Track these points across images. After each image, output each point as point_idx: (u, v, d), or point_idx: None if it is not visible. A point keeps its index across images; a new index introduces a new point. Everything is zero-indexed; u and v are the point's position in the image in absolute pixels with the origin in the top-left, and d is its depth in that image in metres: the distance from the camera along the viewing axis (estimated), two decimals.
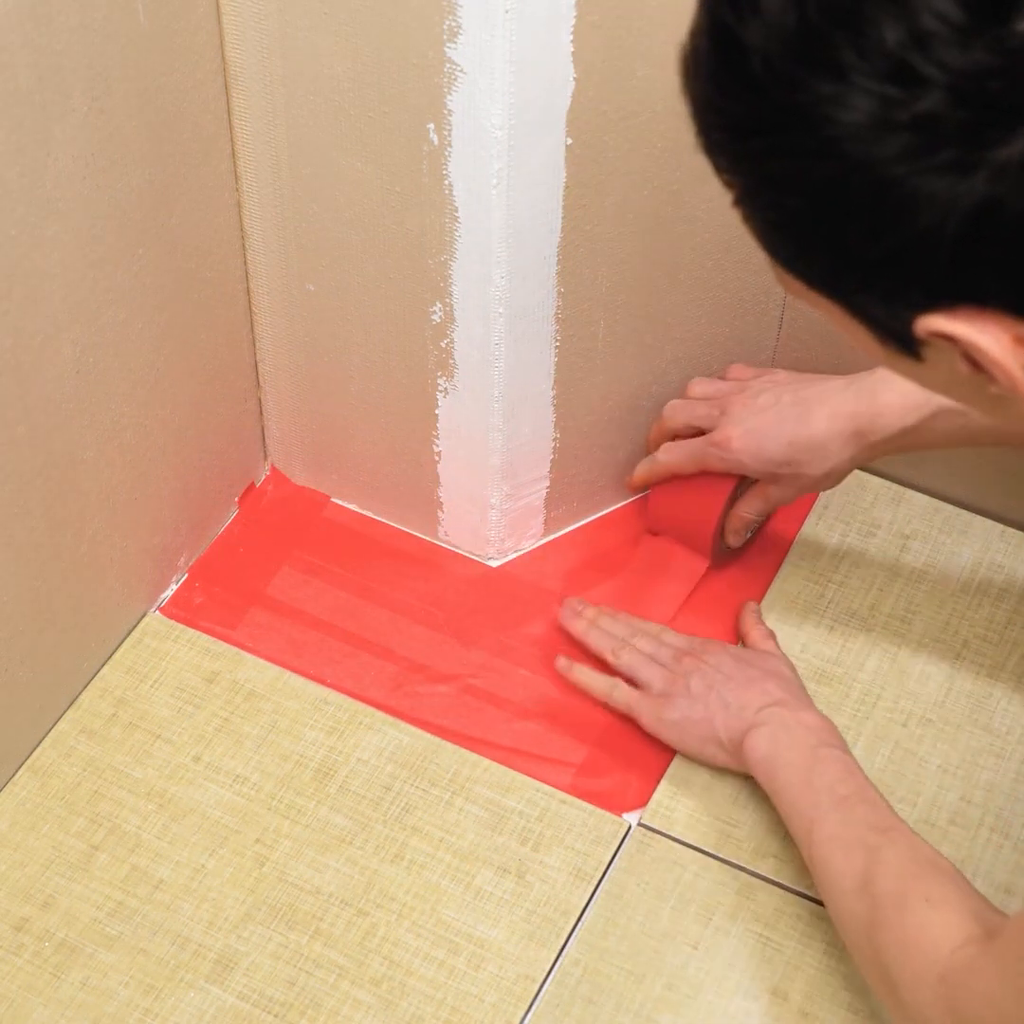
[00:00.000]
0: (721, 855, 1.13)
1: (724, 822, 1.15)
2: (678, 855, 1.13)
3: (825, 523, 1.32)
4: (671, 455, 1.23)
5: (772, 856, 1.13)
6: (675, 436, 1.25)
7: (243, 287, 1.22)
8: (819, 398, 1.16)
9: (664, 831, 1.14)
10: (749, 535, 1.28)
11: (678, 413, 1.24)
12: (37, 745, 1.18)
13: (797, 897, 1.11)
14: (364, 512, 1.33)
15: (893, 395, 1.12)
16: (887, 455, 1.17)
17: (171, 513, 1.24)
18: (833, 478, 1.18)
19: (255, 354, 1.27)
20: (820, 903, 1.10)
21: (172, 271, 1.13)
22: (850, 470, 1.18)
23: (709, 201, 1.16)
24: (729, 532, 1.25)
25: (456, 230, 1.09)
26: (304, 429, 1.31)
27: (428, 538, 1.32)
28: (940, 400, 1.08)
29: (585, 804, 1.16)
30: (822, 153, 0.67)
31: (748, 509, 1.23)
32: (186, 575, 1.28)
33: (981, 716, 1.21)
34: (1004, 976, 0.87)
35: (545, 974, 1.08)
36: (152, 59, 1.03)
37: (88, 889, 1.11)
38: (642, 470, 1.27)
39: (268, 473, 1.35)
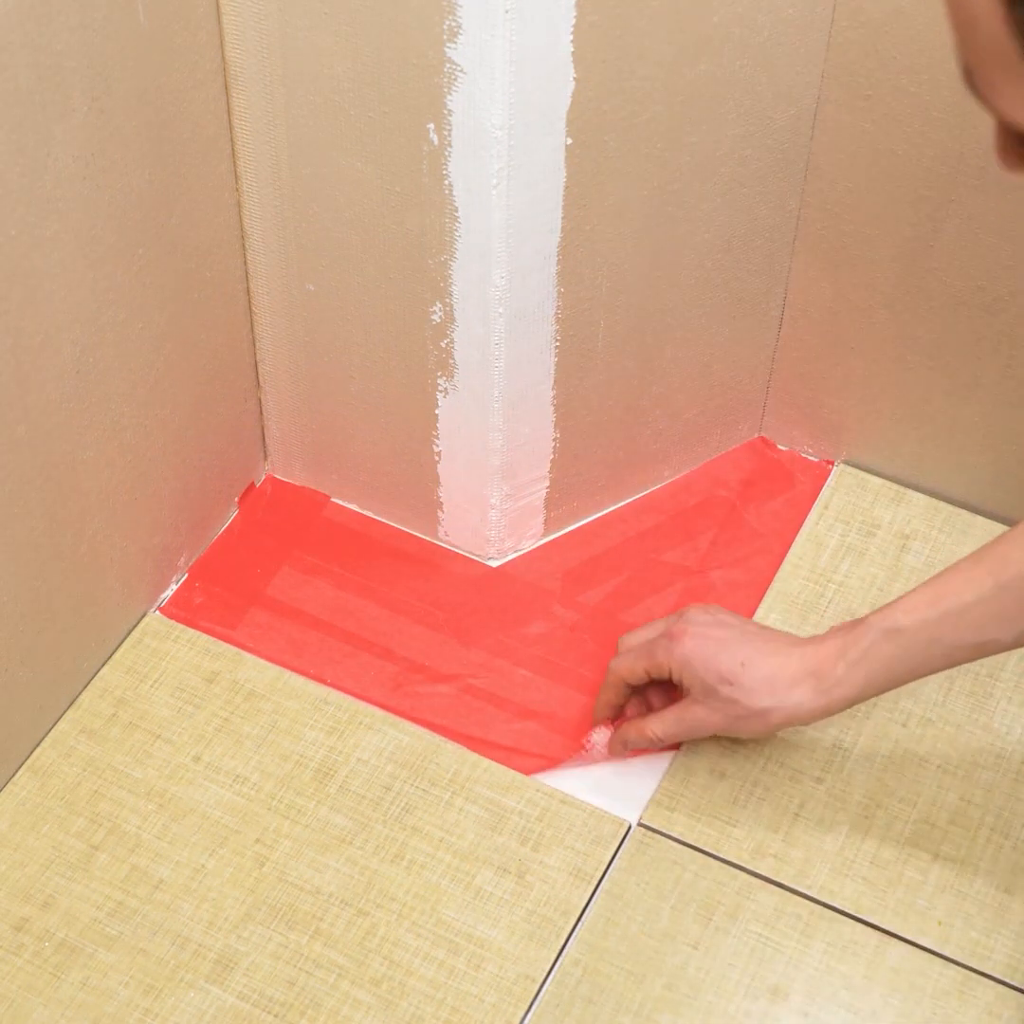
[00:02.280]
0: (721, 855, 1.13)
1: (724, 822, 1.14)
2: (678, 855, 1.13)
3: (825, 523, 1.32)
4: (620, 659, 1.15)
5: (772, 856, 1.13)
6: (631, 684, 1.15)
7: (243, 287, 1.22)
8: (790, 639, 1.10)
9: (664, 831, 1.14)
10: (627, 751, 1.16)
11: (629, 639, 1.16)
12: (37, 745, 1.18)
13: (797, 897, 1.11)
14: (364, 512, 1.33)
15: (858, 670, 1.05)
16: (833, 713, 1.08)
17: (171, 513, 1.24)
18: (766, 721, 1.08)
19: (255, 354, 1.27)
20: (820, 903, 1.10)
21: (172, 271, 1.13)
22: (782, 724, 1.09)
23: (709, 201, 1.16)
24: (617, 739, 1.16)
25: (456, 230, 1.09)
26: (304, 429, 1.31)
27: (428, 538, 1.32)
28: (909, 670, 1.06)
29: (585, 804, 1.16)
30: None
31: (658, 727, 1.12)
32: (186, 575, 1.28)
33: (981, 716, 1.21)
34: None
35: (545, 974, 1.08)
36: (152, 59, 1.03)
37: (88, 889, 1.11)
38: (599, 706, 1.17)
39: (268, 473, 1.35)
